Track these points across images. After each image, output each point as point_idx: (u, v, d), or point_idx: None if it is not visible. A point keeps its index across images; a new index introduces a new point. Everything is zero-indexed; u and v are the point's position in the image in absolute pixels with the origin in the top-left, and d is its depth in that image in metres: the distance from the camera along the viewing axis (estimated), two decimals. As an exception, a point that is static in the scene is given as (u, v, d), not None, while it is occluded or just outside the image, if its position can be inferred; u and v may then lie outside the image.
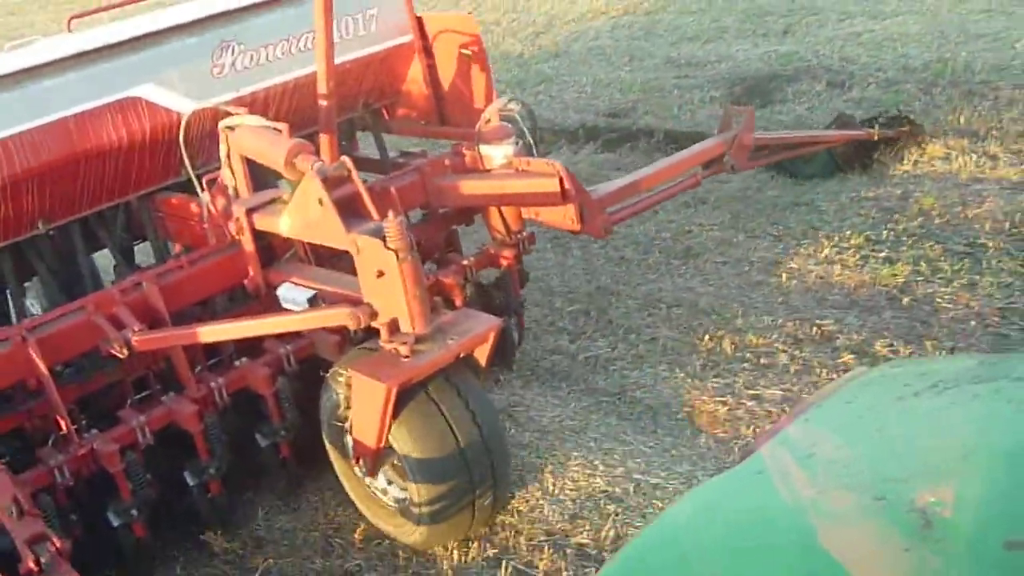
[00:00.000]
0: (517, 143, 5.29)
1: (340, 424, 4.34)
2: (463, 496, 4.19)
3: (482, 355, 4.22)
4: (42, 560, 3.43)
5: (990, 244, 5.89)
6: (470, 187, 5.29)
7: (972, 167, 6.84)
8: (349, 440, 4.33)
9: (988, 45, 9.00)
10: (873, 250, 6.16)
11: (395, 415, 4.04)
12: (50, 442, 4.33)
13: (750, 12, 11.73)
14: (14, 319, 5.08)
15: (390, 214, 3.82)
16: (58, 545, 3.50)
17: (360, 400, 4.08)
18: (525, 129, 5.41)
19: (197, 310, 4.88)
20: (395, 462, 4.28)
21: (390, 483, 4.41)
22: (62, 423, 4.30)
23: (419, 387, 4.10)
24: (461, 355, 4.14)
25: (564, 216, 5.19)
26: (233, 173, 4.48)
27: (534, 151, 5.44)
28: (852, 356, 5.20)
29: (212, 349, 4.77)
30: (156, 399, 4.60)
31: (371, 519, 4.56)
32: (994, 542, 1.97)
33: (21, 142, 4.52)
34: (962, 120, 7.58)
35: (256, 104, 5.14)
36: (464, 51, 5.75)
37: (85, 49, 4.68)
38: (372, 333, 4.09)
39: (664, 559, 2.35)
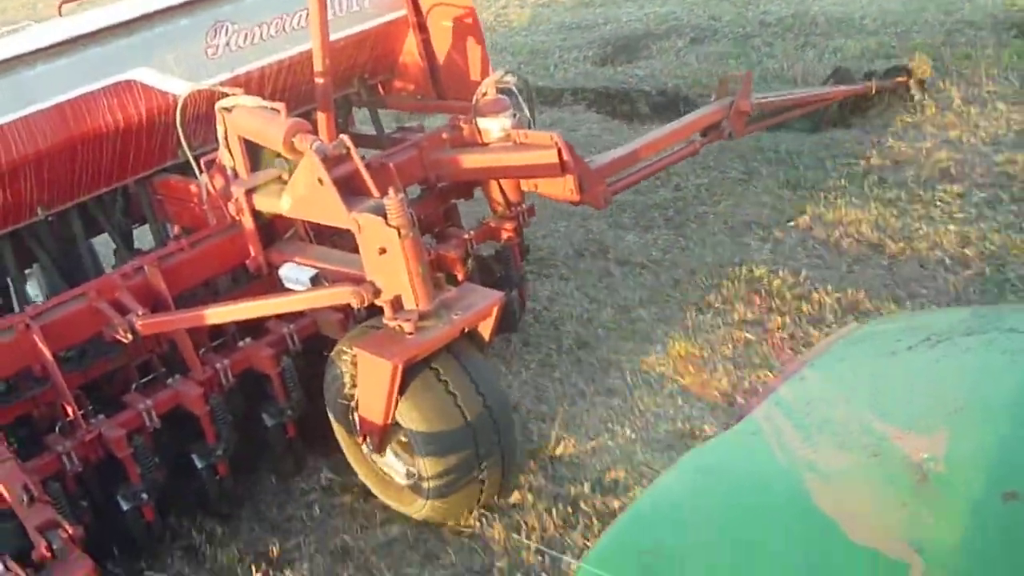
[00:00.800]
0: (514, 115, 5.27)
1: (346, 402, 4.34)
2: (471, 470, 4.19)
3: (485, 329, 4.23)
4: (54, 547, 3.44)
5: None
6: (469, 161, 5.28)
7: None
8: (355, 418, 4.34)
9: (840, 2, 10.17)
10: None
11: (401, 391, 4.04)
12: (57, 429, 4.33)
13: None
14: (16, 307, 5.08)
15: (390, 191, 3.81)
16: (70, 532, 3.51)
17: (366, 378, 4.08)
18: (522, 101, 5.39)
19: (200, 292, 4.88)
20: (402, 438, 4.29)
21: (397, 459, 4.42)
22: (68, 409, 4.30)
23: (424, 363, 4.10)
24: (465, 330, 4.14)
25: (564, 187, 5.19)
26: (231, 154, 4.46)
27: (532, 123, 5.43)
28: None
29: (215, 331, 4.76)
30: (161, 382, 4.60)
31: (379, 496, 4.57)
32: (991, 494, 1.98)
33: (17, 129, 4.51)
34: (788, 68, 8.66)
35: (251, 84, 5.12)
36: (458, 24, 5.73)
37: (77, 34, 4.66)
38: (375, 311, 4.09)
39: (662, 523, 2.36)
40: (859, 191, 6.52)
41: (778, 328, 5.27)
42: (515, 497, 4.48)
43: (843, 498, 2.10)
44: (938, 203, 6.18)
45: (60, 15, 5.58)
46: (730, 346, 5.23)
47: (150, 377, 4.70)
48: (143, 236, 5.74)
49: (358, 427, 4.34)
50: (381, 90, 6.19)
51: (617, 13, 11.58)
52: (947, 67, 7.90)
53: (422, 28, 5.87)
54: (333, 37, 4.95)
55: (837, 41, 9.13)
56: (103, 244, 5.65)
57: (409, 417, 4.10)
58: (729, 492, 2.33)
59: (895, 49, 8.64)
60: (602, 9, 11.93)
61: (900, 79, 7.35)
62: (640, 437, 4.71)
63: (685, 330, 5.44)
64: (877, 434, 2.25)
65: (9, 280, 5.20)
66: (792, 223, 6.31)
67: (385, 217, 3.80)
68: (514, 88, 5.34)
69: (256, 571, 4.36)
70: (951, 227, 5.90)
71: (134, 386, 4.60)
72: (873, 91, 7.18)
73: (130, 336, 4.27)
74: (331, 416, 4.48)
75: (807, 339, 5.11)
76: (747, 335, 5.28)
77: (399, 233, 3.78)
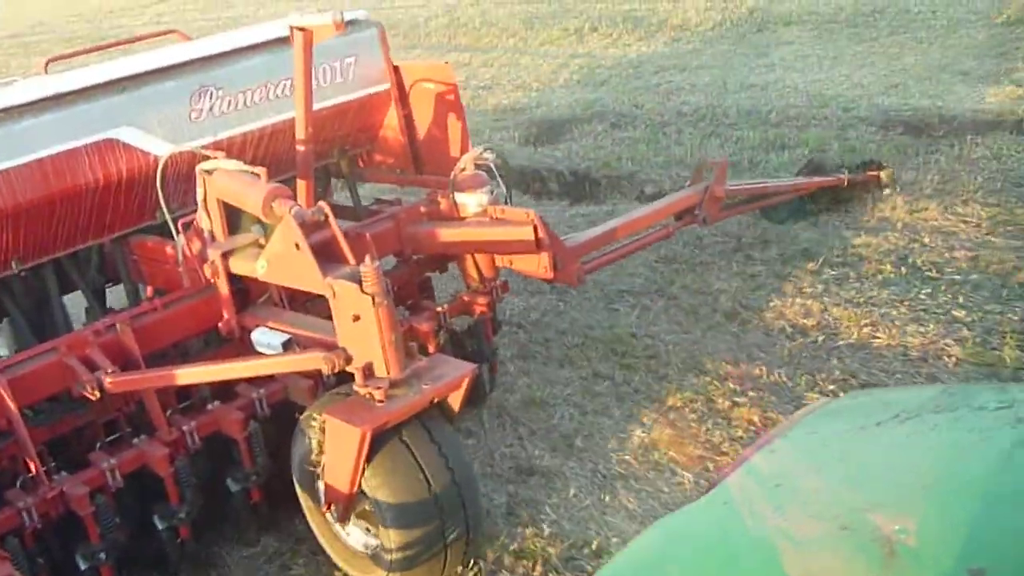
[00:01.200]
0: (492, 192, 5.33)
1: (312, 469, 4.32)
2: (435, 542, 4.17)
3: (455, 401, 4.23)
4: (10, 603, 3.40)
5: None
6: (445, 234, 5.32)
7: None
8: (321, 485, 4.31)
9: (753, 94, 10.89)
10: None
11: (369, 460, 4.03)
12: (19, 484, 4.28)
13: (585, 66, 13.72)
14: (-16, 360, 5.05)
15: (367, 259, 3.83)
16: (26, 587, 3.46)
17: (334, 445, 4.07)
18: (499, 178, 5.45)
19: (170, 353, 4.86)
20: (367, 508, 4.27)
21: (361, 529, 4.39)
22: (31, 465, 4.26)
23: (393, 432, 4.09)
24: (435, 400, 4.15)
25: (538, 264, 5.23)
26: (210, 216, 4.48)
27: (509, 200, 5.48)
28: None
29: (184, 392, 4.75)
30: (127, 442, 4.57)
31: (342, 565, 4.53)
32: (959, 570, 2.00)
33: None
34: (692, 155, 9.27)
35: (233, 148, 5.16)
36: (440, 99, 5.81)
37: (63, 90, 4.69)
38: (345, 378, 4.09)
39: None
40: (727, 264, 6.99)
41: (625, 381, 5.78)
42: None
43: (812, 568, 2.11)
44: (791, 278, 6.62)
45: (46, 72, 5.62)
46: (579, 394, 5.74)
47: (116, 436, 4.68)
48: (116, 296, 5.73)
49: (323, 495, 4.31)
50: (361, 162, 6.24)
51: (550, 98, 12.26)
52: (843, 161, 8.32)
53: (404, 102, 5.94)
54: (316, 106, 5.01)
55: (742, 131, 9.70)
56: (75, 303, 5.63)
57: (375, 486, 4.08)
58: (699, 559, 2.34)
59: (790, 140, 9.24)
60: (537, 94, 12.62)
61: (872, 173, 7.47)
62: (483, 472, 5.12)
63: (542, 378, 5.91)
64: (847, 506, 2.27)
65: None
66: (660, 292, 6.76)
67: (360, 284, 3.83)
68: (492, 165, 5.40)
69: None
70: (798, 300, 6.32)
71: (99, 444, 4.56)
72: (846, 183, 7.29)
73: (98, 393, 4.25)
74: (296, 483, 4.46)
75: (652, 391, 5.65)
76: (596, 387, 5.79)
77: (373, 300, 3.80)
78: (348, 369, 3.98)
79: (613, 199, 8.83)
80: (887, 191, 7.49)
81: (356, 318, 3.88)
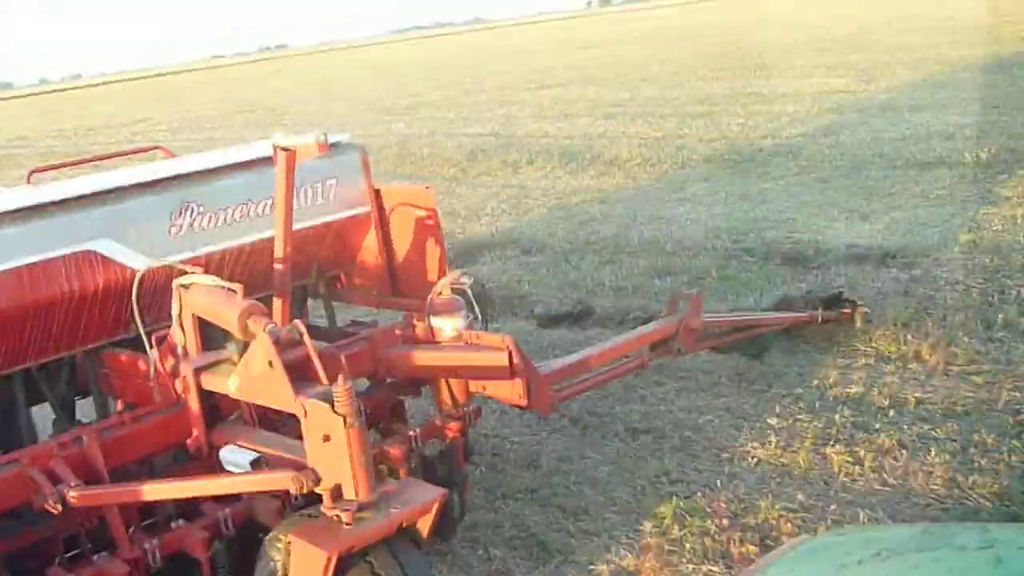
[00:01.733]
0: (467, 317, 5.34)
1: (276, 592, 4.24)
2: (397, 672, 4.07)
3: (424, 526, 4.17)
4: None
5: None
6: (419, 358, 5.31)
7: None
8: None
9: (658, 226, 11.62)
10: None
11: (334, 584, 3.95)
12: None
13: (514, 196, 14.77)
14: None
15: (340, 379, 3.82)
16: None
17: (299, 567, 3.99)
18: (475, 303, 5.47)
19: (133, 470, 4.80)
20: (331, 634, 4.18)
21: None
22: (-13, 580, 4.18)
23: (359, 556, 4.03)
24: (403, 525, 4.09)
25: (512, 391, 5.22)
26: (184, 331, 4.47)
27: (485, 325, 5.49)
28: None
29: (148, 508, 4.67)
30: (87, 558, 4.47)
31: None
32: None
33: None
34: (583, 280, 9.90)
35: (211, 265, 5.16)
36: (419, 223, 5.85)
37: (44, 201, 4.71)
38: (313, 499, 4.04)
39: None
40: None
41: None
42: None
43: None
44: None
45: (28, 183, 5.64)
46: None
47: (75, 552, 4.58)
48: (85, 409, 5.67)
49: (286, 619, 4.22)
50: (338, 283, 6.26)
51: (475, 226, 13.11)
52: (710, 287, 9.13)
53: (384, 225, 5.99)
54: (296, 226, 5.04)
55: (638, 259, 10.35)
56: (43, 415, 5.57)
57: (340, 611, 4.00)
58: None
59: (677, 267, 9.89)
60: (463, 221, 13.42)
61: (845, 311, 7.54)
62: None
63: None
64: None
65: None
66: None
67: (332, 404, 3.80)
68: (468, 290, 5.43)
69: None
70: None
71: (57, 560, 4.47)
72: (819, 320, 7.35)
73: (60, 507, 4.18)
74: (260, 606, 4.36)
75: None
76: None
77: (345, 421, 3.77)
78: (316, 490, 3.93)
79: (504, 317, 9.16)
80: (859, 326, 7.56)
81: (327, 438, 3.84)
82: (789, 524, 5.26)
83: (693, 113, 20.59)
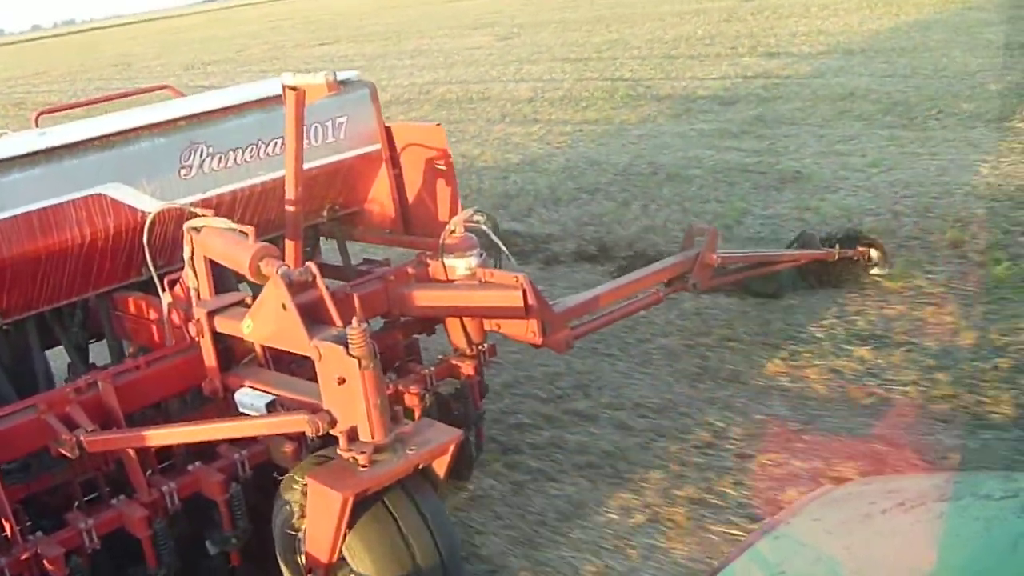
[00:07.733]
0: (481, 255, 5.30)
1: (293, 534, 4.24)
2: (416, 614, 4.08)
3: (441, 467, 4.16)
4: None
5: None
6: (432, 297, 5.28)
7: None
8: (301, 551, 4.23)
9: None
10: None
11: (350, 526, 3.95)
12: None
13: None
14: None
15: (354, 321, 3.78)
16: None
17: (315, 509, 3.99)
18: (495, 238, 5.41)
19: (149, 413, 4.79)
20: (348, 575, 4.19)
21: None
22: (6, 524, 4.18)
23: (375, 498, 4.02)
24: (419, 466, 4.08)
25: (526, 329, 5.18)
26: (196, 274, 4.44)
27: (499, 263, 5.45)
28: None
29: (164, 452, 4.67)
30: (105, 502, 4.49)
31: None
32: None
33: None
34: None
35: (222, 207, 5.13)
36: (431, 163, 5.79)
37: (53, 145, 4.67)
38: (329, 441, 4.03)
39: None
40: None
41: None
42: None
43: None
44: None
45: (36, 126, 5.59)
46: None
47: (94, 495, 4.59)
48: (100, 352, 5.67)
49: (304, 561, 4.23)
50: (350, 222, 6.22)
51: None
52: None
53: (395, 164, 5.93)
54: (307, 166, 4.98)
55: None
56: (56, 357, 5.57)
57: (356, 554, 4.00)
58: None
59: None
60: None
61: (862, 248, 7.46)
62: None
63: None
64: None
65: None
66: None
67: (347, 346, 3.77)
68: (484, 227, 5.37)
69: None
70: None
71: (76, 504, 4.48)
72: (836, 257, 7.29)
73: (77, 452, 4.18)
74: (277, 548, 4.37)
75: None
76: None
77: (360, 364, 3.74)
78: (332, 432, 3.92)
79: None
80: (875, 269, 7.49)
81: (341, 381, 3.82)
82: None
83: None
